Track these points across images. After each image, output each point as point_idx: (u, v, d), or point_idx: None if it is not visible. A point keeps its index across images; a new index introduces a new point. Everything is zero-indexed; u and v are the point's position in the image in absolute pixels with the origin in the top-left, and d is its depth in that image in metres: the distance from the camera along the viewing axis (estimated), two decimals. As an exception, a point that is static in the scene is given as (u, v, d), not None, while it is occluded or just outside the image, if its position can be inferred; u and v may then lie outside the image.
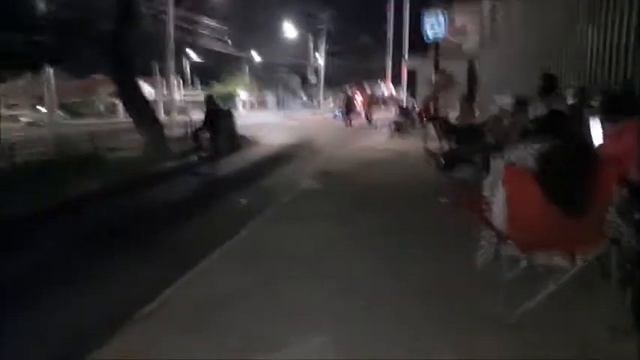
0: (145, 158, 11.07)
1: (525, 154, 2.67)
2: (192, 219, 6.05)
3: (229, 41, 35.06)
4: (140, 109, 11.58)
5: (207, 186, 8.77)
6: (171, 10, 21.83)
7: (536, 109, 5.57)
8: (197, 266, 3.92)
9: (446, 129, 6.05)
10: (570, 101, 5.55)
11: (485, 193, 2.91)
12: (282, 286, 3.44)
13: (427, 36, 13.42)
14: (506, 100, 9.43)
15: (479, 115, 10.91)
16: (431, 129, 9.68)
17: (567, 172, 2.51)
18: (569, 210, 2.51)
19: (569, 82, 5.91)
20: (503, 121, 7.56)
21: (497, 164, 2.84)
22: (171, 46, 22.50)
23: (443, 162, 5.84)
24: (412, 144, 11.79)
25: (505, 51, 9.87)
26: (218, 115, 12.47)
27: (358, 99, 23.63)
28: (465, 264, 3.21)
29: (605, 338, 2.56)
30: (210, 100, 12.75)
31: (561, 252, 2.70)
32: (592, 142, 3.83)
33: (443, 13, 13.34)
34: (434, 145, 8.78)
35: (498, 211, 2.77)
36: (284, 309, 3.08)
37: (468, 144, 5.83)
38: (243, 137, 15.97)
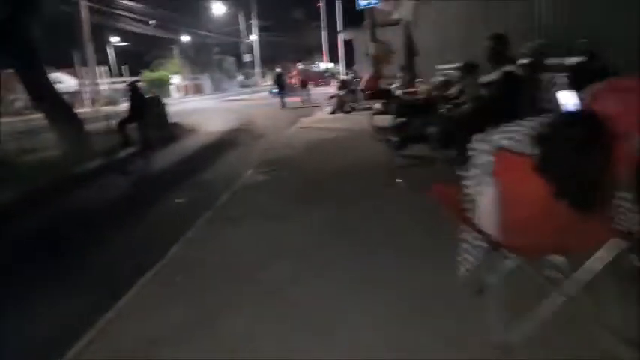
0: (63, 159, 9.74)
1: (519, 134, 2.05)
2: (119, 230, 5.11)
3: (152, 22, 32.59)
4: (52, 103, 10.15)
5: (137, 186, 7.75)
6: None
7: (489, 74, 5.07)
8: (120, 301, 3.08)
9: (397, 105, 5.39)
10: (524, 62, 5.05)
11: (468, 187, 2.28)
12: (224, 322, 2.70)
13: (359, 3, 12.75)
14: (450, 67, 8.99)
15: (421, 86, 10.44)
16: (376, 104, 9.07)
17: (577, 155, 1.91)
18: (582, 204, 1.92)
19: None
20: (450, 88, 7.10)
21: (482, 149, 2.21)
22: (87, 31, 20.42)
23: (395, 140, 5.23)
24: (357, 121, 11.19)
25: (444, 13, 9.36)
26: (144, 104, 11.28)
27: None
28: (444, 271, 2.60)
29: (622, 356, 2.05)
30: (133, 88, 11.51)
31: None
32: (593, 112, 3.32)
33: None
34: (382, 121, 8.19)
35: (487, 210, 2.15)
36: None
37: (421, 118, 5.24)
38: (177, 126, 14.74)
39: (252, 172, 6.78)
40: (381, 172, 5.62)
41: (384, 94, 9.56)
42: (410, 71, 13.22)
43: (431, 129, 5.36)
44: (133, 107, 11.00)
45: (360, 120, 11.21)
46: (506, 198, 2.04)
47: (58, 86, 37.59)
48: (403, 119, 5.25)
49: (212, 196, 5.67)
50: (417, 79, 11.80)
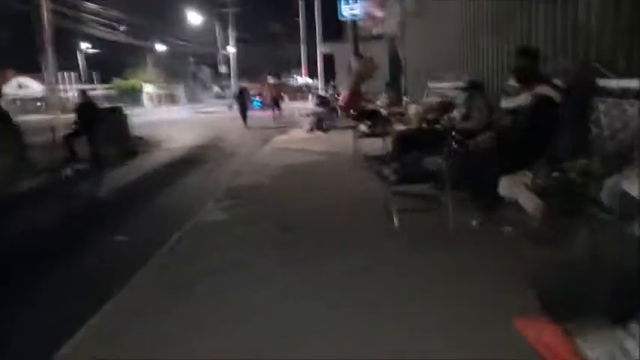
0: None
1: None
2: (22, 283, 3.70)
3: (122, 28, 30.91)
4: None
5: (69, 214, 6.26)
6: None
7: (516, 97, 3.92)
8: None
9: (396, 135, 4.11)
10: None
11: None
12: None
13: (342, 14, 11.65)
14: (444, 86, 7.90)
15: (411, 106, 9.33)
16: (361, 125, 7.87)
17: None
18: None
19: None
20: (449, 110, 5.96)
21: None
22: (48, 34, 18.70)
23: (389, 174, 3.99)
24: (338, 142, 9.95)
25: (437, 24, 8.28)
26: (95, 115, 9.79)
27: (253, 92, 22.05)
28: None
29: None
30: (83, 97, 10.04)
31: None
32: None
33: (360, -10, 11.61)
34: (369, 147, 7.01)
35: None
36: None
37: (425, 150, 4.03)
38: (140, 140, 13.23)
39: (213, 204, 5.43)
40: (373, 213, 4.37)
41: (369, 115, 8.38)
42: (395, 89, 12.15)
43: (437, 164, 4.15)
44: (81, 119, 9.52)
45: (341, 141, 9.98)
46: None
47: (22, 91, 35.41)
48: (401, 150, 4.01)
49: (159, 236, 4.34)
50: (404, 98, 10.73)
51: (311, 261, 3.42)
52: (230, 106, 16.65)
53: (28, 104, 35.04)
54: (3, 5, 26.08)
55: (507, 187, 3.40)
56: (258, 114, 18.51)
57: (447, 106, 6.48)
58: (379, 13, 15.38)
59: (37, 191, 7.56)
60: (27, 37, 23.06)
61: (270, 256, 3.59)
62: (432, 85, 8.12)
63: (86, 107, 9.71)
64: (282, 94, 20.65)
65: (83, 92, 10.35)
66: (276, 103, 18.53)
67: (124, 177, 8.43)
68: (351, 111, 11.46)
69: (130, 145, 11.77)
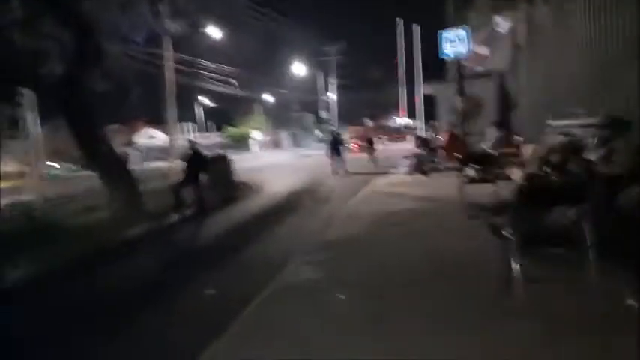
0: (111, 221, 8.69)
1: None
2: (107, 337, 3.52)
3: (236, 83, 33.28)
4: (105, 162, 9.28)
5: (169, 262, 6.25)
6: (170, 52, 19.99)
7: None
8: None
9: (522, 185, 3.25)
10: None
11: None
12: None
13: (445, 53, 10.97)
14: (570, 123, 6.77)
15: (523, 146, 8.22)
16: (468, 169, 7.00)
17: None
18: None
19: None
20: (580, 152, 4.91)
21: None
22: (170, 90, 20.63)
23: (515, 235, 3.15)
24: (440, 186, 9.11)
25: (558, 54, 7.23)
26: (202, 165, 10.11)
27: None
28: None
29: None
30: (192, 147, 10.46)
31: None
32: None
33: (464, 28, 10.91)
34: (479, 194, 6.13)
35: None
36: None
37: (560, 202, 3.17)
38: (243, 184, 13.58)
39: (302, 260, 4.97)
40: (486, 281, 3.54)
41: (479, 158, 7.48)
42: (505, 128, 11.02)
43: (572, 221, 3.25)
44: (189, 168, 9.88)
45: (443, 185, 9.11)
46: None
47: (152, 141, 39.41)
48: (527, 201, 3.18)
49: (246, 291, 4.07)
50: (517, 138, 9.60)
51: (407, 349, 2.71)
52: (327, 153, 15.60)
53: (154, 152, 39.05)
54: (136, 64, 29.68)
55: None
56: (357, 156, 18.18)
57: (575, 147, 5.43)
58: (484, 51, 14.45)
59: (138, 240, 7.82)
60: (156, 93, 25.92)
61: (361, 333, 2.96)
62: (554, 123, 7.03)
63: (194, 158, 10.09)
64: (378, 136, 19.95)
65: (192, 142, 10.83)
66: (370, 144, 17.60)
67: (223, 223, 8.44)
68: (454, 153, 10.58)
69: (232, 191, 12.05)
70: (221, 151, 22.40)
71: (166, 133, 30.90)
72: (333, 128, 17.53)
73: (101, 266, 5.96)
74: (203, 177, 10.02)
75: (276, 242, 6.54)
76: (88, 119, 8.96)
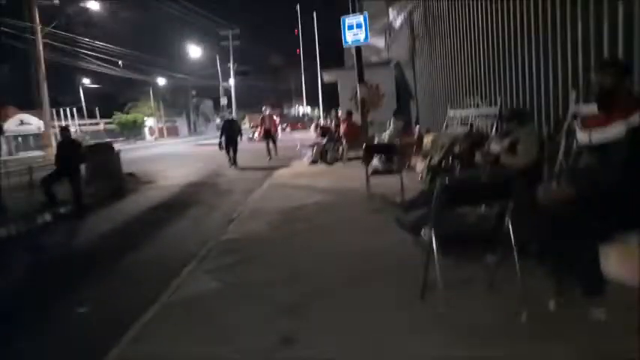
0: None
1: None
2: None
3: (120, 63, 30.34)
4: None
5: (34, 272, 5.12)
6: (38, 30, 17.29)
7: (600, 128, 2.80)
8: None
9: (439, 179, 2.91)
10: None
11: None
12: None
13: (346, 40, 10.73)
14: (468, 113, 6.82)
15: (428, 136, 8.23)
16: (373, 160, 6.74)
17: None
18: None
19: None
20: (482, 144, 4.84)
21: None
22: (42, 70, 17.95)
23: (430, 236, 2.80)
24: (345, 176, 8.84)
25: (454, 43, 7.26)
26: (77, 154, 8.70)
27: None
28: None
29: None
30: (63, 134, 8.97)
31: None
32: None
33: (363, 15, 10.72)
34: (382, 183, 5.90)
35: None
36: None
37: (478, 199, 2.90)
38: (131, 177, 12.18)
39: (198, 265, 4.28)
40: (401, 285, 3.20)
41: (381, 148, 7.28)
42: (404, 118, 11.12)
43: (491, 219, 3.01)
44: (61, 159, 8.44)
45: (348, 175, 8.87)
46: None
47: (24, 128, 34.66)
48: (446, 200, 2.83)
49: (128, 310, 3.36)
50: (416, 128, 9.68)
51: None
52: (220, 145, 13.27)
53: (29, 141, 34.32)
54: (3, 43, 25.59)
55: (618, 263, 2.25)
56: (258, 146, 17.36)
57: (477, 138, 5.39)
58: (380, 42, 14.56)
59: (9, 240, 6.45)
60: (26, 74, 22.52)
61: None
62: (453, 112, 7.06)
63: (67, 147, 8.63)
64: (277, 124, 18.58)
65: (63, 129, 9.27)
66: (268, 135, 15.04)
67: (106, 222, 7.30)
68: (355, 142, 10.42)
69: (118, 184, 10.70)
70: (107, 140, 20.26)
71: (41, 119, 27.28)
72: (228, 115, 14.81)
73: None
74: (81, 169, 8.66)
75: (167, 246, 5.69)
76: None
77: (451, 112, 7.13)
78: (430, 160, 6.03)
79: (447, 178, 2.66)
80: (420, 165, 6.95)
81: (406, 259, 3.68)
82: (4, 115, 35.85)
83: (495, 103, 5.62)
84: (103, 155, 11.14)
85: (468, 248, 2.98)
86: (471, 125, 6.02)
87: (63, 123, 32.09)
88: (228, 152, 13.14)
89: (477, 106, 6.06)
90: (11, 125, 33.63)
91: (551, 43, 4.52)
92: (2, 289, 4.64)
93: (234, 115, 14.68)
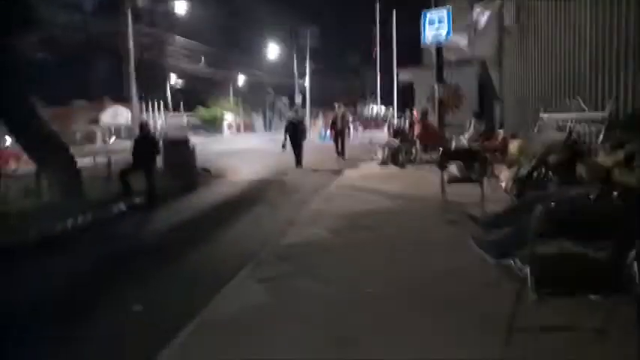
0: (46, 209, 7.47)
1: None
2: None
3: (203, 60, 31.55)
4: (39, 142, 7.99)
5: (102, 264, 5.13)
6: (129, 26, 18.29)
7: None
8: None
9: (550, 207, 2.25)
10: None
11: None
12: None
13: (425, 37, 10.02)
14: (566, 117, 5.91)
15: (510, 141, 7.35)
16: (452, 166, 6.07)
17: None
18: None
19: None
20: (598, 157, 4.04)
21: None
22: (132, 64, 19.01)
23: (527, 272, 2.17)
24: (417, 181, 8.23)
25: (550, 43, 6.34)
26: (152, 147, 8.90)
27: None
28: None
29: None
30: (142, 129, 9.22)
31: None
32: None
33: (447, 9, 9.95)
34: (459, 191, 5.25)
35: None
36: None
37: (589, 231, 2.25)
38: (205, 171, 12.40)
39: (252, 271, 3.97)
40: (483, 322, 2.64)
41: (460, 153, 6.58)
42: (486, 119, 10.20)
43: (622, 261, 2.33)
44: (138, 152, 8.65)
45: (420, 179, 8.24)
46: None
47: (118, 119, 37.32)
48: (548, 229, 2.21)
49: (169, 320, 3.14)
50: (500, 131, 8.77)
51: None
52: (283, 146, 12.66)
53: (120, 131, 36.95)
54: (102, 38, 27.58)
55: None
56: (328, 145, 16.96)
57: (579, 147, 4.56)
58: (462, 42, 13.51)
59: (85, 229, 6.64)
60: (120, 69, 24.17)
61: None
62: (547, 115, 6.17)
63: (144, 140, 8.86)
64: (350, 124, 17.77)
65: (143, 124, 9.57)
66: (339, 135, 13.95)
67: (175, 216, 7.32)
68: (431, 144, 9.72)
69: (191, 178, 10.87)
70: (182, 134, 21.05)
71: (136, 113, 29.17)
72: (292, 114, 13.95)
73: (34, 258, 4.82)
74: (153, 163, 8.85)
75: (228, 245, 5.49)
76: (15, 89, 7.61)
77: (545, 116, 6.24)
78: (518, 170, 5.26)
79: (550, 203, 2.05)
80: (504, 174, 6.16)
81: (486, 286, 3.10)
82: (101, 106, 39.02)
83: (602, 107, 4.74)
84: (181, 150, 11.39)
85: (573, 290, 2.32)
86: (570, 132, 5.17)
87: (150, 115, 34.20)
88: (296, 154, 12.59)
89: (581, 109, 5.17)
90: (107, 117, 36.38)
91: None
92: (67, 281, 4.65)
93: (299, 113, 12.58)
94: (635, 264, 2.00)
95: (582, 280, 2.16)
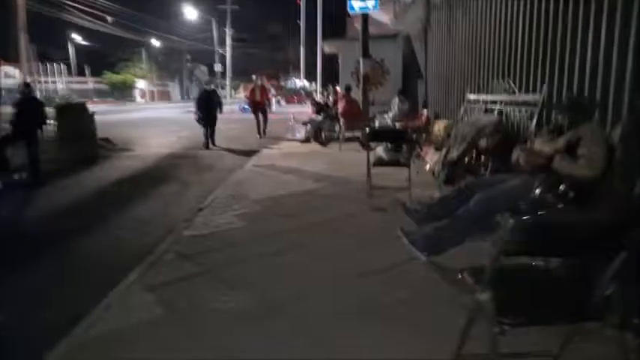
0: None
1: None
2: None
3: (110, 20, 28.47)
4: None
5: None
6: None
7: None
8: None
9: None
10: None
11: None
12: None
13: (352, 6, 9.46)
14: (489, 99, 5.68)
15: (440, 124, 7.10)
16: (378, 147, 5.63)
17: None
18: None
19: None
20: (535, 143, 3.73)
21: None
22: (20, 17, 16.35)
23: (486, 298, 1.72)
24: (342, 161, 7.79)
25: (480, 22, 6.07)
26: (37, 113, 7.48)
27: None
28: None
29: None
30: (25, 91, 7.72)
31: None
32: None
33: (374, -20, 9.42)
34: (381, 171, 4.82)
35: None
36: None
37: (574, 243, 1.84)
38: (107, 142, 11.00)
39: (144, 274, 3.21)
40: (429, 335, 2.18)
41: (385, 134, 6.16)
42: (411, 99, 9.98)
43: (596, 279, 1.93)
44: (18, 119, 7.20)
45: (344, 159, 7.82)
46: None
47: (9, 81, 32.95)
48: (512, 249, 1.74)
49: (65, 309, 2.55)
50: (424, 111, 8.54)
51: None
52: (198, 120, 10.62)
53: (13, 95, 32.52)
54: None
55: None
56: (249, 118, 16.05)
57: (511, 131, 4.29)
58: (387, 17, 13.17)
59: None
60: (9, 22, 20.78)
61: None
62: (474, 96, 5.93)
63: (26, 103, 7.40)
64: (271, 97, 17.10)
65: (26, 85, 8.01)
66: (259, 108, 12.70)
67: (56, 196, 6.17)
68: (354, 122, 9.30)
69: (90, 151, 9.49)
70: (81, 99, 18.86)
71: (25, 73, 25.57)
72: (207, 87, 11.62)
73: None
74: (39, 132, 7.45)
75: (122, 234, 4.59)
76: None
77: (472, 97, 6.00)
78: (447, 154, 4.95)
79: (522, 219, 1.57)
80: (430, 156, 5.88)
81: (421, 288, 2.68)
82: (-15, 67, 33.90)
83: (534, 90, 4.51)
84: (77, 117, 9.88)
85: (539, 312, 1.91)
86: (501, 114, 4.94)
87: (49, 79, 30.37)
88: (206, 129, 10.67)
89: (511, 91, 4.92)
90: (-2, 78, 31.74)
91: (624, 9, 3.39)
92: None
93: (208, 85, 10.61)
94: (614, 286, 1.60)
95: (550, 307, 1.73)
